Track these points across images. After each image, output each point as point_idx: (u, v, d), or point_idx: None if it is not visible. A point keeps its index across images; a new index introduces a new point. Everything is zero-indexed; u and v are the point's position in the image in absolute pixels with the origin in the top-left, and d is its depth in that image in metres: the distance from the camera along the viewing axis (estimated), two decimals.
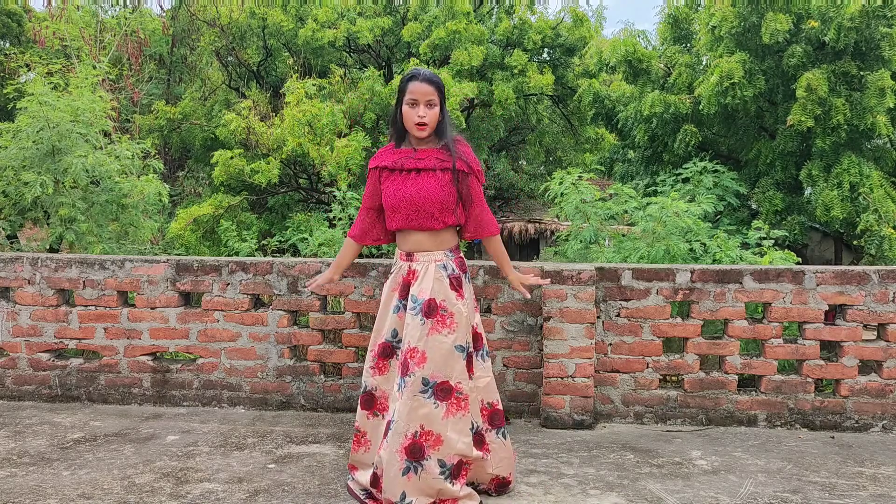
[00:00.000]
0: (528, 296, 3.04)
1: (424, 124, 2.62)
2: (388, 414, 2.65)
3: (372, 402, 2.75)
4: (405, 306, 2.66)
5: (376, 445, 2.68)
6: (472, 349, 2.72)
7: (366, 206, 2.83)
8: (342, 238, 5.92)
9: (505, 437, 2.77)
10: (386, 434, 2.59)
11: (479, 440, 2.69)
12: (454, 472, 2.58)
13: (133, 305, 3.96)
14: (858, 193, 9.45)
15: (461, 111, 12.04)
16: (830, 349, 3.68)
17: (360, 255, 3.17)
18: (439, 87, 2.66)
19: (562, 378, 3.54)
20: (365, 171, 11.45)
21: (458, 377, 2.60)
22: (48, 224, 5.76)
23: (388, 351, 2.71)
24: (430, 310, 2.60)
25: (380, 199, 2.76)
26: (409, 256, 2.71)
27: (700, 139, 10.70)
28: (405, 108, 2.65)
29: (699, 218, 5.55)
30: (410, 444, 2.53)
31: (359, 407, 2.77)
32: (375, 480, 2.59)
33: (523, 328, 3.71)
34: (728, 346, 3.62)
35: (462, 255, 2.80)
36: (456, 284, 2.66)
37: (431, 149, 2.69)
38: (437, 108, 2.65)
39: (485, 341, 2.82)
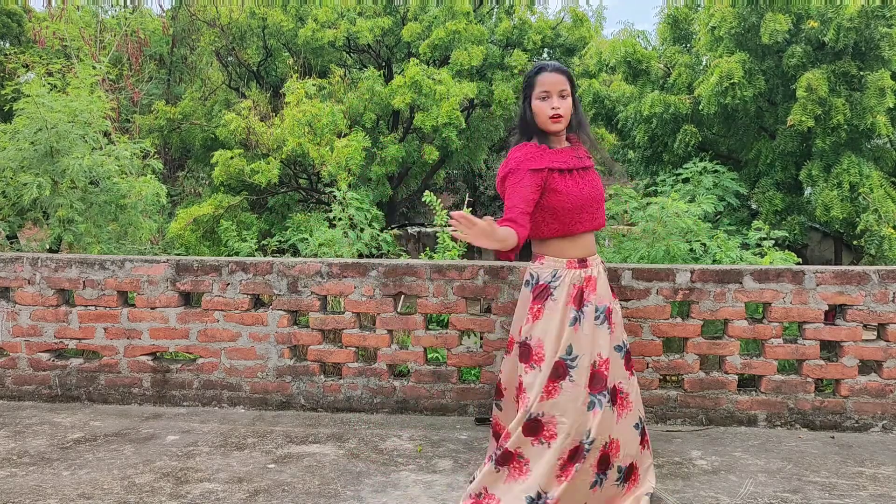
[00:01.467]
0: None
1: (560, 116, 2.50)
2: (557, 440, 2.42)
3: (538, 429, 2.44)
4: (579, 318, 2.49)
5: (540, 471, 2.40)
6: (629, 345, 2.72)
7: (527, 212, 2.43)
8: (342, 238, 5.89)
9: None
10: (579, 458, 2.41)
11: (642, 435, 2.67)
12: (626, 475, 2.56)
13: (133, 305, 3.96)
14: (858, 193, 9.43)
15: (461, 111, 12.03)
16: (830, 349, 3.68)
17: (360, 255, 3.15)
18: (570, 77, 2.56)
19: None
20: (365, 171, 11.44)
21: (620, 377, 2.59)
22: (48, 224, 5.75)
23: (562, 371, 2.45)
24: (609, 317, 2.55)
25: (540, 202, 2.50)
26: (583, 262, 2.55)
27: (700, 139, 10.68)
28: (536, 102, 2.52)
29: (699, 218, 5.54)
30: (602, 455, 2.46)
31: (520, 431, 2.44)
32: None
33: None
34: (728, 346, 3.62)
35: None
36: None
37: (569, 146, 2.61)
38: (569, 100, 2.53)
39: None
